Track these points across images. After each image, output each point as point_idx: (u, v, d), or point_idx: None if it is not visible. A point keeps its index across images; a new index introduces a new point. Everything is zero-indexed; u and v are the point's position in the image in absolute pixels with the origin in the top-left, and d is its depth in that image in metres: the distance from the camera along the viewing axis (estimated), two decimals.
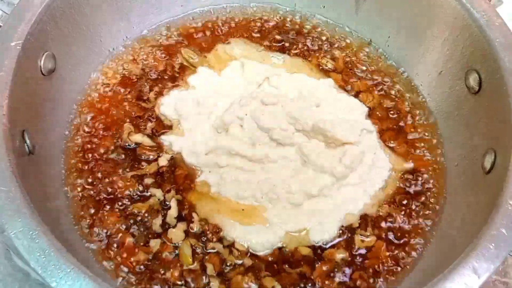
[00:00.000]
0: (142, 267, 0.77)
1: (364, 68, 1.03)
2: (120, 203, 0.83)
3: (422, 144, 0.94)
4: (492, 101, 0.82)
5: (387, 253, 0.81)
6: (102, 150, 0.89)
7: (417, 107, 0.99)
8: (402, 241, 0.83)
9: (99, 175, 0.86)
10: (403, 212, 0.86)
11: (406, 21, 1.00)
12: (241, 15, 1.11)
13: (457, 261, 0.63)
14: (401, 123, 0.96)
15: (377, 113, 0.97)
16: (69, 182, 0.85)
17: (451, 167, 0.90)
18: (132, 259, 0.78)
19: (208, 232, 0.80)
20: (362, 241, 0.82)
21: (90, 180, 0.85)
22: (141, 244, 0.79)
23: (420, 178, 0.90)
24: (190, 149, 0.88)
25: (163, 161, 0.88)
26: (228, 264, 0.78)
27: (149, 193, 0.84)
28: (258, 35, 1.07)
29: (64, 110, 0.91)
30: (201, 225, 0.81)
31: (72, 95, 0.93)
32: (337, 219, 0.83)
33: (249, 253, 0.79)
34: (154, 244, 0.79)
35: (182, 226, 0.81)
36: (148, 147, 0.89)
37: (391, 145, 0.93)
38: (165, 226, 0.81)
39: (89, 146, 0.89)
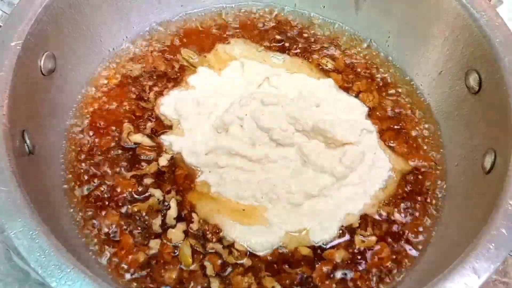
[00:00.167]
0: (141, 267, 0.77)
1: (364, 68, 1.03)
2: (120, 203, 0.83)
3: (422, 144, 0.94)
4: (492, 101, 0.82)
5: (387, 253, 0.81)
6: (102, 150, 0.88)
7: (417, 107, 0.99)
8: (402, 241, 0.83)
9: (99, 175, 0.86)
10: (403, 212, 0.86)
11: (406, 21, 1.00)
12: (241, 15, 1.11)
13: (457, 261, 0.63)
14: (401, 123, 0.96)
15: (377, 113, 0.97)
16: (69, 182, 0.85)
17: (451, 167, 0.90)
18: (132, 259, 0.78)
19: (208, 233, 0.80)
20: (362, 241, 0.82)
21: (90, 180, 0.85)
22: (141, 244, 0.79)
23: (420, 178, 0.90)
24: (190, 149, 0.88)
25: (163, 161, 0.88)
26: (228, 264, 0.78)
27: (148, 193, 0.84)
28: (258, 35, 1.07)
29: (64, 110, 0.91)
30: (201, 225, 0.81)
31: (72, 95, 0.93)
32: (337, 219, 0.83)
33: (248, 253, 0.79)
34: (154, 244, 0.79)
35: (181, 226, 0.81)
36: (148, 147, 0.89)
37: (391, 145, 0.93)
38: (165, 226, 0.81)
39: (89, 146, 0.89)
